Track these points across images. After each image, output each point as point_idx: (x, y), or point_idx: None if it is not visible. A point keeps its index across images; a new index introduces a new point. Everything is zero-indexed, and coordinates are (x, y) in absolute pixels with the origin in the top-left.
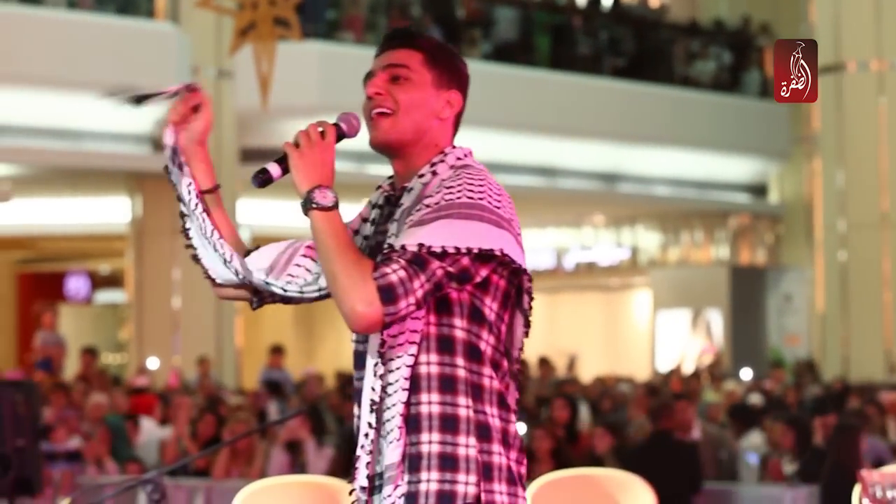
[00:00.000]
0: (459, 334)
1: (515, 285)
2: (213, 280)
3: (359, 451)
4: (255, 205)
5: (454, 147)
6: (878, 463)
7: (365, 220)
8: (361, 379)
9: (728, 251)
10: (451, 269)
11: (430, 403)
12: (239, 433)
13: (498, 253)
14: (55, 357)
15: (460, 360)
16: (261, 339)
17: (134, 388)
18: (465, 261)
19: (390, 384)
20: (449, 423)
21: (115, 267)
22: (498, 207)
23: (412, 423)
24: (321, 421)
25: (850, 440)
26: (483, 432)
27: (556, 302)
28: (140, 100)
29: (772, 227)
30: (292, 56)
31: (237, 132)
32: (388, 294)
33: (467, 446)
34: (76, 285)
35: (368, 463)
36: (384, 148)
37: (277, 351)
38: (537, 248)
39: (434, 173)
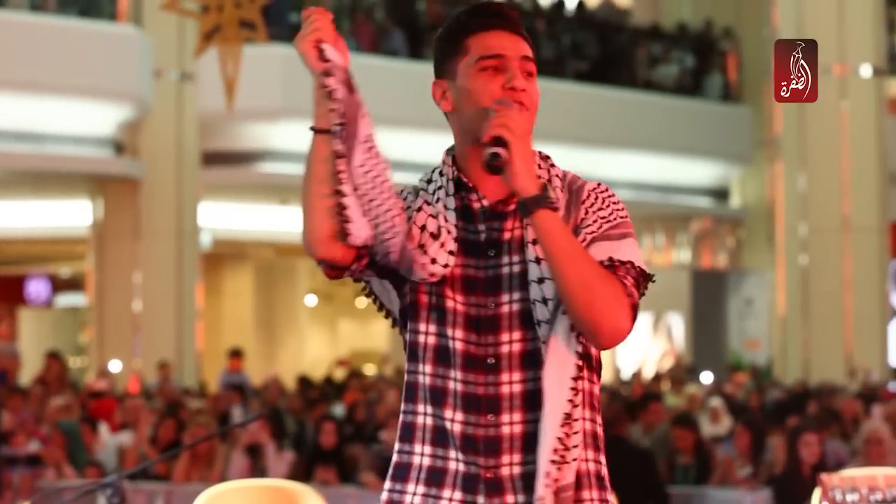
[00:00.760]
0: (592, 349)
1: None
2: (345, 236)
3: (542, 466)
4: (216, 208)
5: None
6: (838, 466)
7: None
8: (523, 382)
9: (689, 255)
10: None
11: (584, 420)
12: (199, 437)
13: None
14: (10, 369)
15: (587, 373)
16: (221, 342)
17: (94, 392)
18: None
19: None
20: (593, 440)
21: (75, 270)
22: None
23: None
24: (282, 425)
25: (808, 443)
26: (598, 444)
27: None
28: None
29: (733, 230)
30: (256, 59)
31: (199, 135)
32: (635, 313)
33: (601, 463)
34: (37, 288)
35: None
36: None
37: (236, 355)
38: None
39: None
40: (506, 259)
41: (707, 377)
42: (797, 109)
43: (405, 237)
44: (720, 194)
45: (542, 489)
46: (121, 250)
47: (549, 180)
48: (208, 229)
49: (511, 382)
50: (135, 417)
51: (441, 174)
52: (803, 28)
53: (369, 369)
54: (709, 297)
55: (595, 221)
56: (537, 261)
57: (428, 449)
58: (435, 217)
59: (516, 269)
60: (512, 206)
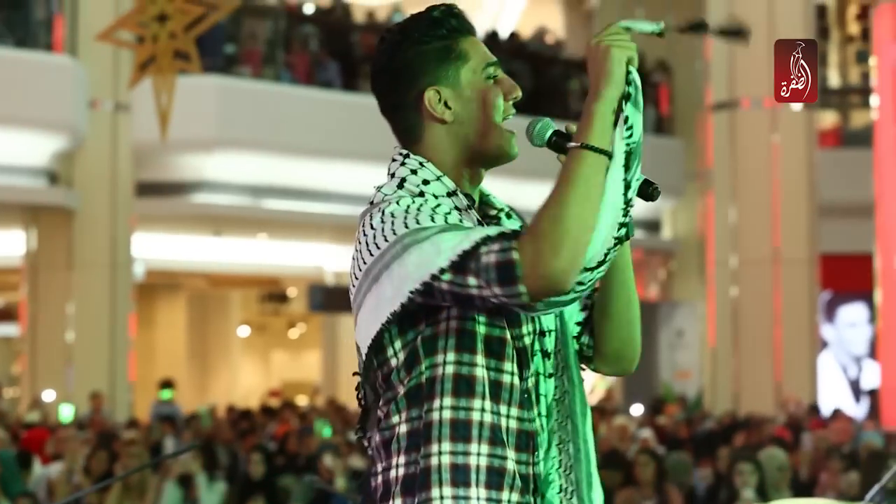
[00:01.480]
0: None
1: None
2: None
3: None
4: (150, 239)
5: None
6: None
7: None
8: (552, 376)
9: None
10: None
11: None
12: (131, 468)
13: None
14: None
15: None
16: (154, 373)
17: (26, 423)
18: None
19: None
20: None
21: (8, 300)
22: None
23: None
24: (213, 456)
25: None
26: None
27: None
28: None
29: (664, 262)
30: (190, 90)
31: (134, 166)
32: None
33: None
34: None
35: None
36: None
37: (167, 386)
38: None
39: None
40: None
41: (637, 409)
42: (728, 142)
43: None
44: (652, 226)
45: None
46: (54, 280)
47: None
48: (142, 260)
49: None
50: (67, 448)
51: (422, 186)
52: (735, 61)
53: (301, 400)
54: (640, 327)
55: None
56: None
57: (485, 448)
58: None
59: None
60: (493, 212)
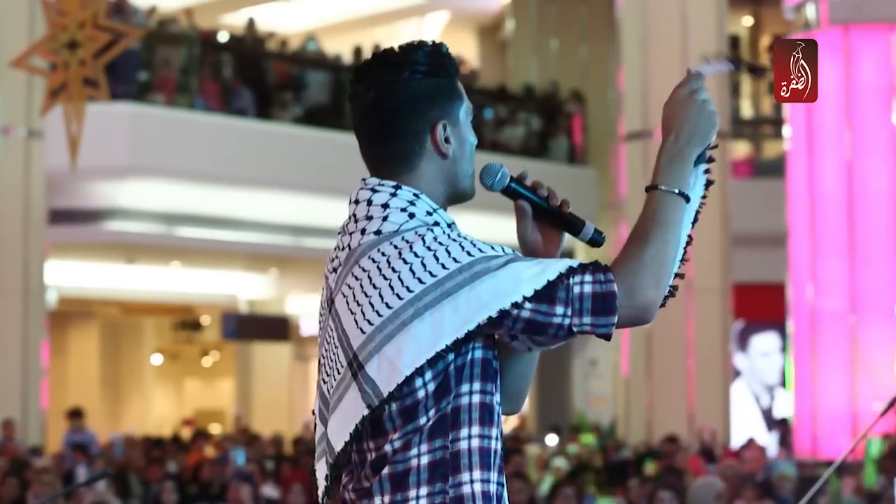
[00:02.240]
0: None
1: None
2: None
3: None
4: (63, 266)
5: None
6: None
7: None
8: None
9: None
10: None
11: None
12: (43, 496)
13: None
14: None
15: None
16: (67, 401)
17: None
18: None
19: None
20: None
21: None
22: None
23: None
24: (126, 484)
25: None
26: None
27: None
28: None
29: None
30: (103, 117)
31: (46, 193)
32: None
33: None
34: None
35: None
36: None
37: (77, 414)
38: None
39: None
40: None
41: (552, 438)
42: (641, 172)
43: None
44: (564, 255)
45: None
46: None
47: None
48: (54, 287)
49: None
50: None
51: (434, 223)
52: (649, 91)
53: (215, 428)
54: (553, 356)
55: None
56: None
57: (496, 475)
58: None
59: None
60: None
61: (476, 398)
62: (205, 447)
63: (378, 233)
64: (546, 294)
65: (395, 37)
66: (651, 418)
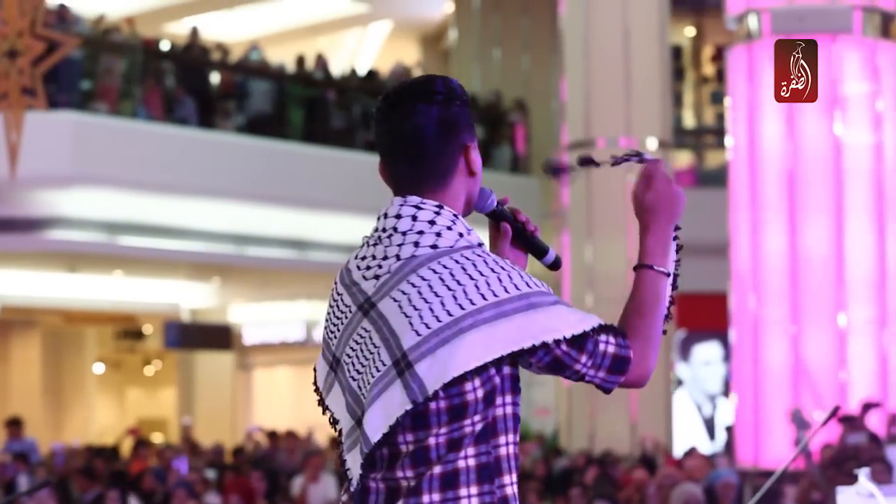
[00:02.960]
0: None
1: None
2: None
3: None
4: (4, 275)
5: None
6: None
7: None
8: None
9: None
10: None
11: None
12: None
13: None
14: None
15: None
16: (8, 410)
17: None
18: None
19: None
20: None
21: None
22: None
23: None
24: (68, 493)
25: None
26: None
27: (305, 374)
28: (586, 163)
29: None
30: (46, 126)
31: None
32: None
33: None
34: None
35: None
36: None
37: (15, 423)
38: (287, 320)
39: None
40: None
41: None
42: (584, 182)
43: None
44: None
45: None
46: None
47: None
48: None
49: None
50: None
51: (479, 244)
52: (591, 101)
53: (157, 438)
54: None
55: None
56: None
57: (515, 477)
58: None
59: None
60: None
61: (510, 409)
62: (147, 456)
63: (434, 247)
64: (579, 342)
65: (338, 46)
66: (593, 427)
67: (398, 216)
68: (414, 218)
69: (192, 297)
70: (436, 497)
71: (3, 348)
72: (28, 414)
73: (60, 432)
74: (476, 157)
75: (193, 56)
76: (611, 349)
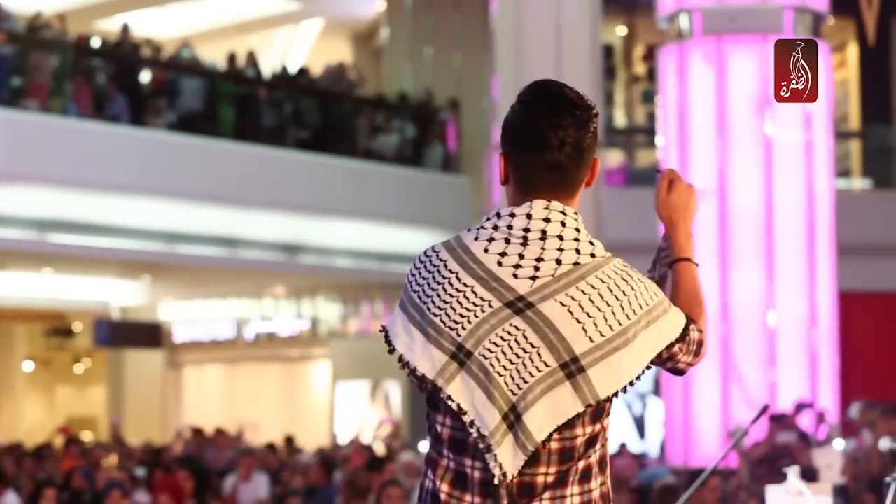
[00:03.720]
0: None
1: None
2: None
3: None
4: None
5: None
6: None
7: None
8: None
9: None
10: None
11: None
12: None
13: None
14: None
15: None
16: None
17: None
18: None
19: None
20: None
21: None
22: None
23: None
24: None
25: None
26: None
27: (235, 372)
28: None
29: None
30: None
31: None
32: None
33: None
34: None
35: None
36: None
37: None
38: (217, 318)
39: None
40: None
41: (425, 446)
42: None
43: None
44: None
45: None
46: None
47: None
48: None
49: None
50: None
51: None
52: None
53: (87, 436)
54: None
55: None
56: None
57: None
58: None
59: None
60: None
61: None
62: (77, 454)
63: (593, 256)
64: (683, 336)
65: (269, 44)
66: None
67: (546, 220)
68: (563, 224)
69: (123, 295)
70: (575, 489)
71: None
72: None
73: None
74: (598, 169)
75: (124, 53)
76: (695, 335)
